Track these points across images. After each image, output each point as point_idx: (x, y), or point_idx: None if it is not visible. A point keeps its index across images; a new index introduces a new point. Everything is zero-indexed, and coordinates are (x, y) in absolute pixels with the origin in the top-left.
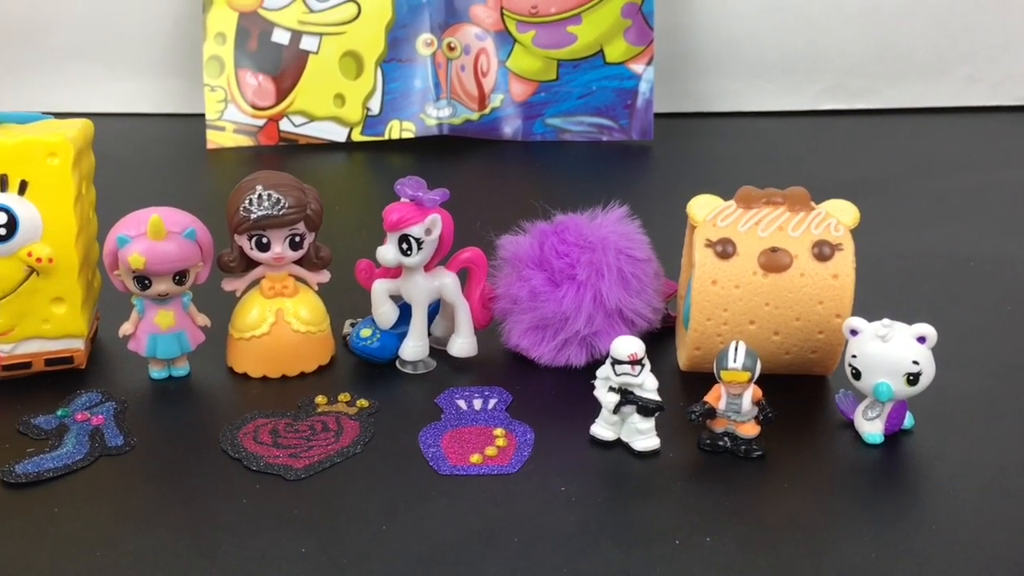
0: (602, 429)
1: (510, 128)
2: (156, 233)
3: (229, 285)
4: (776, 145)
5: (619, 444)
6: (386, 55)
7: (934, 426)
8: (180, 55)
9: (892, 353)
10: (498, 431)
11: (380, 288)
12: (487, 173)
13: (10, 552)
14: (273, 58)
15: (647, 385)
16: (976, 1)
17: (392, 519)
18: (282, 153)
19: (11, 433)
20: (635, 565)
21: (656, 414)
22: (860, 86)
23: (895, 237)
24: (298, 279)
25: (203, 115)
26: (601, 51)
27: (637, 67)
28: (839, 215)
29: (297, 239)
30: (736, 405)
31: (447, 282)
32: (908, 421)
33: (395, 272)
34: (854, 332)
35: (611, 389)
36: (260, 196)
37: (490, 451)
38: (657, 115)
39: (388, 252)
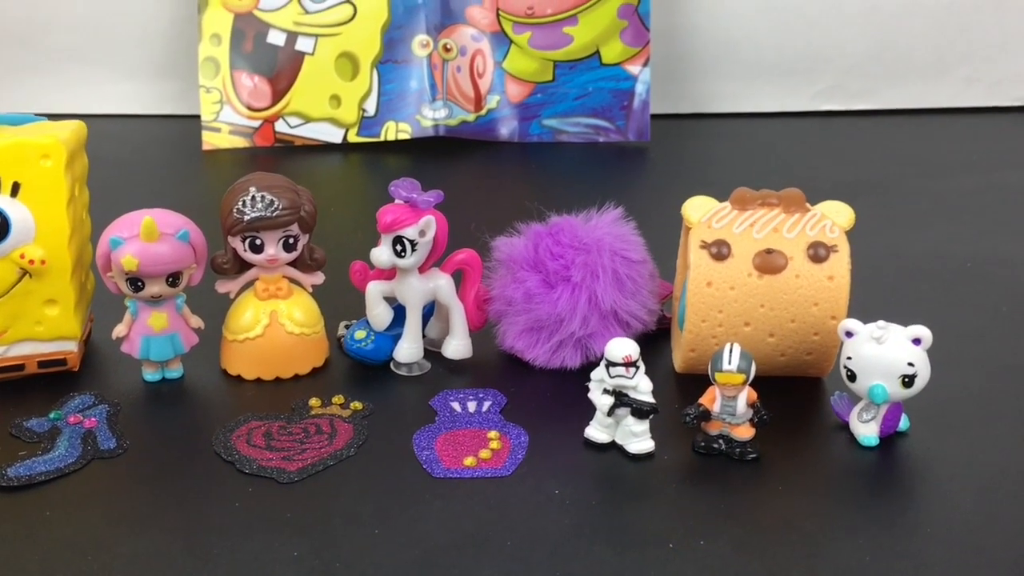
0: (596, 431)
1: (506, 129)
2: (149, 235)
3: (223, 287)
4: (774, 146)
5: (613, 446)
6: (382, 56)
7: (929, 428)
8: (176, 56)
9: (887, 355)
10: (492, 434)
11: (374, 290)
12: (483, 174)
13: (2, 556)
14: (269, 59)
15: (641, 387)
16: (974, 2)
17: (385, 522)
18: (278, 154)
19: (3, 436)
20: (629, 568)
21: (650, 416)
22: (858, 87)
23: (892, 238)
24: (292, 281)
25: (199, 116)
26: (597, 52)
27: (633, 68)
28: (834, 217)
29: (291, 241)
30: (731, 407)
31: (441, 284)
32: (903, 423)
33: (389, 274)
34: (849, 334)
35: (605, 391)
36: (254, 198)
37: (484, 454)
38: (653, 116)
39: (382, 254)
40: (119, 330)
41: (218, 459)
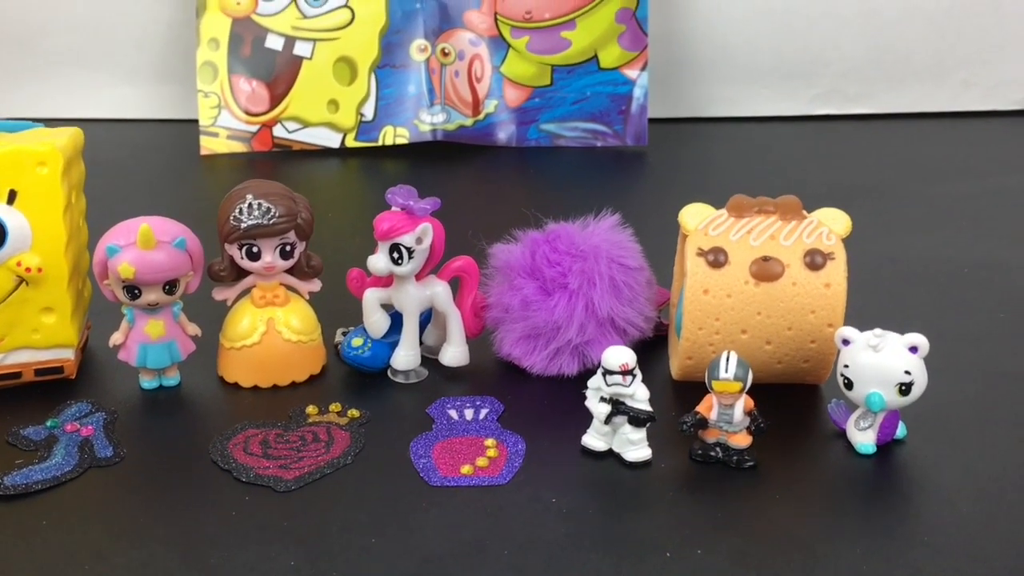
0: (593, 439)
1: (504, 134)
2: (146, 242)
3: (220, 294)
4: (771, 150)
5: (611, 454)
6: (380, 61)
7: (927, 436)
8: (174, 61)
9: (884, 363)
10: (489, 442)
11: (371, 297)
12: (481, 179)
13: None
14: (267, 64)
15: (638, 395)
16: (971, 5)
17: (382, 531)
18: (276, 159)
19: (0, 444)
20: None
21: (648, 424)
22: (855, 91)
23: (889, 243)
24: (289, 288)
25: (196, 121)
26: (595, 56)
27: (631, 72)
28: (831, 224)
29: (288, 248)
30: (728, 415)
31: (438, 291)
32: (900, 431)
33: (386, 281)
34: (846, 342)
35: (602, 399)
36: (250, 205)
37: (481, 462)
38: (651, 120)
39: (379, 261)
40: (116, 338)
41: (215, 467)
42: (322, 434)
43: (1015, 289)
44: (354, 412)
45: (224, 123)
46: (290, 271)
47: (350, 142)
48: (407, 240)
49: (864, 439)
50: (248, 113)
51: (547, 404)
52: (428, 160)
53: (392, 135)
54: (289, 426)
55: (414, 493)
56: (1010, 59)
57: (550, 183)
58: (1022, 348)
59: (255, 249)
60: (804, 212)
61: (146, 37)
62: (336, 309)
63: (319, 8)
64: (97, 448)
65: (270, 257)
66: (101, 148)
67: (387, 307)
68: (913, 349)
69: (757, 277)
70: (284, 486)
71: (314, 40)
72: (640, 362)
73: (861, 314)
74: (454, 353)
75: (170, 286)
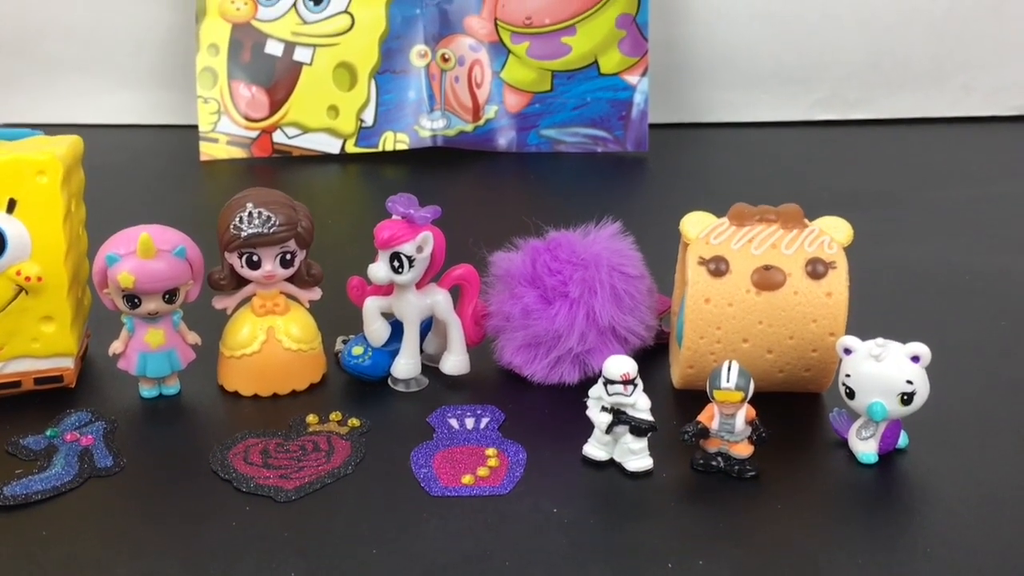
0: (595, 449)
1: (504, 139)
2: (146, 251)
3: (220, 303)
4: (771, 156)
5: (612, 464)
6: (380, 66)
7: (929, 445)
8: (173, 67)
9: (886, 373)
10: (490, 451)
11: (372, 305)
12: (481, 185)
13: None
14: (266, 70)
15: (640, 405)
16: (971, 10)
17: (383, 542)
18: (275, 165)
19: (0, 454)
20: None
21: (649, 434)
22: (855, 96)
23: (890, 249)
24: (289, 296)
25: (196, 127)
26: (595, 62)
27: (632, 78)
28: (833, 233)
29: (288, 257)
30: (729, 425)
31: (439, 299)
32: (902, 440)
33: (387, 289)
34: (848, 351)
35: (603, 409)
36: (250, 214)
37: (482, 471)
38: (652, 126)
39: (379, 270)
40: (115, 347)
41: (215, 477)
42: (322, 443)
43: (1017, 296)
44: (354, 421)
45: (224, 129)
46: (290, 279)
47: (350, 148)
48: (408, 249)
49: (866, 448)
50: (248, 119)
51: (548, 413)
52: (428, 166)
53: (392, 141)
54: (289, 435)
55: (415, 503)
56: (1010, 64)
57: (550, 189)
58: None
59: (255, 258)
60: (806, 221)
61: (146, 42)
62: (336, 317)
63: (319, 14)
64: (97, 458)
65: (270, 266)
66: (100, 153)
67: (387, 315)
68: (915, 359)
69: (758, 286)
70: (285, 496)
71: (314, 46)
72: (641, 371)
73: (862, 322)
74: (455, 362)
75: (170, 295)
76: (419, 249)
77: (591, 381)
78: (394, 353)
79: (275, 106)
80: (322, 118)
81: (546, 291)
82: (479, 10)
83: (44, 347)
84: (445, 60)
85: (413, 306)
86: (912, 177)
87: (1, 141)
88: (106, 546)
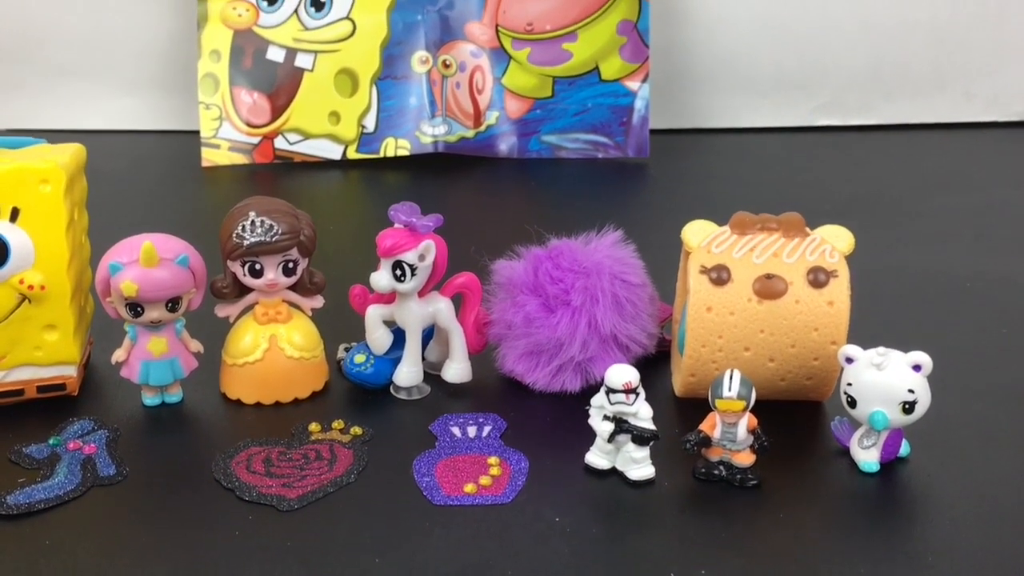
0: (597, 457)
1: (505, 145)
2: (149, 260)
3: (222, 311)
4: (772, 161)
5: (614, 473)
6: (381, 72)
7: (930, 454)
8: (175, 72)
9: (887, 382)
10: (492, 459)
11: (374, 314)
12: (482, 191)
13: None
14: (268, 76)
15: (642, 414)
16: (972, 17)
17: (385, 552)
18: (277, 171)
19: (3, 462)
20: None
21: (651, 443)
22: (856, 102)
23: (891, 256)
24: (292, 305)
25: (198, 132)
26: (597, 68)
27: (633, 84)
28: (834, 241)
29: (290, 265)
30: (731, 434)
31: (441, 307)
32: (904, 449)
33: (389, 298)
34: (849, 360)
35: (606, 418)
36: (253, 222)
37: (484, 480)
38: (653, 132)
39: (382, 278)
40: (118, 355)
41: (218, 486)
42: (325, 452)
43: (1018, 303)
44: (357, 429)
45: (225, 135)
46: (293, 288)
47: (351, 154)
48: (410, 257)
49: (868, 457)
50: (249, 125)
51: (550, 421)
52: (429, 172)
53: (393, 147)
54: (292, 443)
55: (417, 512)
56: (1011, 70)
57: (551, 195)
58: None
59: (258, 266)
60: (807, 229)
61: (147, 48)
62: (339, 325)
63: (320, 20)
64: (100, 466)
65: (273, 274)
66: (102, 159)
67: (389, 323)
68: (916, 367)
69: (760, 295)
70: (287, 505)
71: (315, 52)
72: (643, 378)
73: (863, 329)
74: (457, 369)
75: (173, 303)
76: (421, 258)
77: (593, 389)
78: (396, 361)
79: (277, 112)
80: (323, 124)
81: (548, 299)
82: (480, 16)
83: (47, 355)
84: (446, 66)
85: (415, 314)
86: (913, 183)
87: (4, 149)
88: (108, 555)
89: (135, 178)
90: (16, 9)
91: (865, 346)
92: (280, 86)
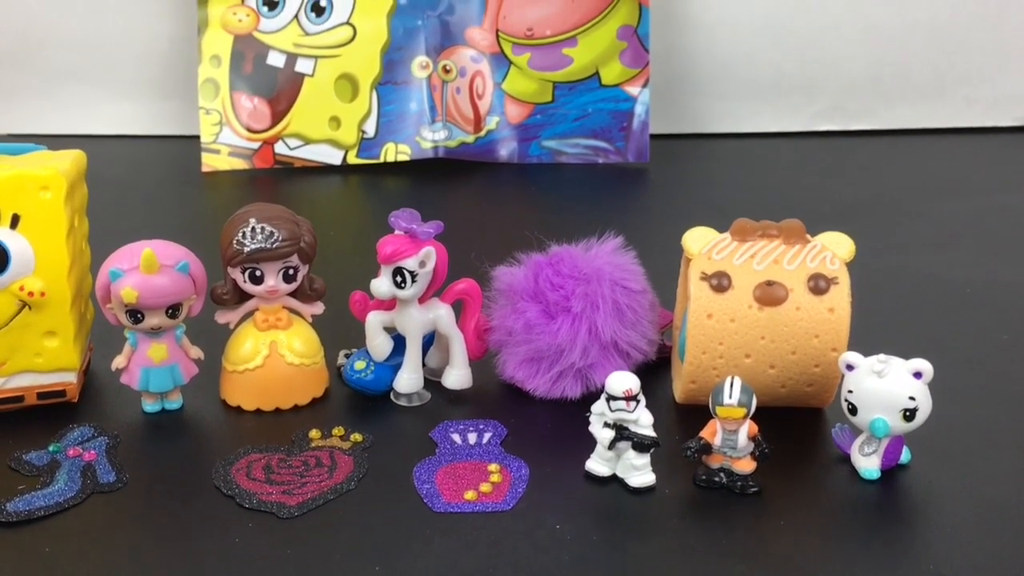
0: (597, 464)
1: (506, 150)
2: (149, 267)
3: (222, 318)
4: (772, 166)
5: (614, 480)
6: (381, 78)
7: (931, 461)
8: (175, 77)
9: (888, 389)
10: (493, 466)
11: (374, 320)
12: (483, 196)
13: None
14: (268, 81)
15: (642, 421)
16: (972, 21)
17: (386, 559)
18: (277, 176)
19: (2, 469)
20: None
21: (652, 450)
22: (856, 107)
23: (891, 261)
24: (292, 311)
25: (198, 137)
26: (597, 73)
27: (633, 89)
28: (835, 248)
29: (291, 271)
30: (732, 441)
31: (441, 314)
32: (905, 456)
33: (389, 304)
34: (850, 367)
35: (606, 425)
36: (253, 229)
37: (485, 487)
38: (653, 137)
39: (382, 285)
40: (118, 361)
41: (218, 493)
42: (325, 459)
43: (1019, 310)
44: (357, 436)
45: (225, 140)
46: (293, 294)
47: (352, 159)
48: (410, 264)
49: (868, 464)
50: (250, 130)
51: (550, 428)
52: (430, 177)
53: (394, 152)
54: (292, 450)
55: (418, 520)
56: (1012, 75)
57: (552, 200)
58: None
59: (258, 273)
60: (808, 236)
61: (147, 54)
62: (339, 332)
63: (321, 25)
64: (100, 473)
65: (273, 281)
66: (102, 164)
67: (390, 330)
68: (917, 375)
69: (761, 301)
70: (287, 512)
71: (316, 57)
72: (643, 385)
73: (864, 336)
74: (457, 376)
75: (173, 310)
76: (422, 264)
77: (593, 396)
78: (396, 367)
79: (277, 117)
80: (324, 129)
81: (548, 306)
82: (480, 21)
83: (47, 362)
84: (447, 71)
85: (415, 321)
86: (913, 188)
87: (4, 156)
88: (109, 562)
89: (135, 183)
90: (16, 15)
91: (866, 353)
92: (280, 91)
